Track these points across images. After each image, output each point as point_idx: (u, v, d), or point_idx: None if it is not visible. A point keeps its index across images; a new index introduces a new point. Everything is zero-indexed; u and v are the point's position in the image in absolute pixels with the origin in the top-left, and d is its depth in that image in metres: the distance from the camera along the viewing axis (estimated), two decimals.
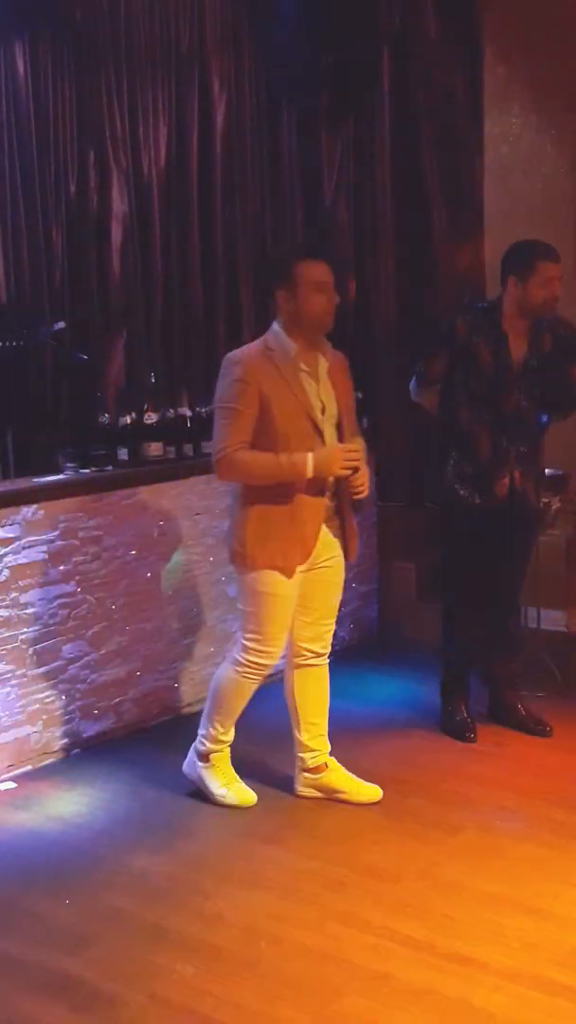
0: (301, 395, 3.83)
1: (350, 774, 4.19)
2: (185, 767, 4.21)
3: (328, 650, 4.16)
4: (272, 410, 3.79)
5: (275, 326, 3.90)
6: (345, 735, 4.69)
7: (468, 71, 6.37)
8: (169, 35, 5.45)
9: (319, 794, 4.15)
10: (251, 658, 3.97)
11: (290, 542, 3.87)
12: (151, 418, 5.03)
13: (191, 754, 4.20)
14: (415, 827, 3.97)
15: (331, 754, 4.22)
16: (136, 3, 5.29)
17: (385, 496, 6.26)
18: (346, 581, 5.56)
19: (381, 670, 5.60)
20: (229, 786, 4.12)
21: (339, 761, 4.21)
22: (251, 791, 4.11)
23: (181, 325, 5.58)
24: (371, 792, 4.15)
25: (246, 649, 3.97)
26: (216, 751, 4.13)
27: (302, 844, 3.85)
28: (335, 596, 4.11)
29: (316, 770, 4.16)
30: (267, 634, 3.95)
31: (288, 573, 3.89)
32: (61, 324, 4.89)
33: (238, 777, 4.15)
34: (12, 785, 4.35)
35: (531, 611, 5.36)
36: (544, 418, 4.62)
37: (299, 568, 3.91)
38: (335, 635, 5.56)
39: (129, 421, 4.99)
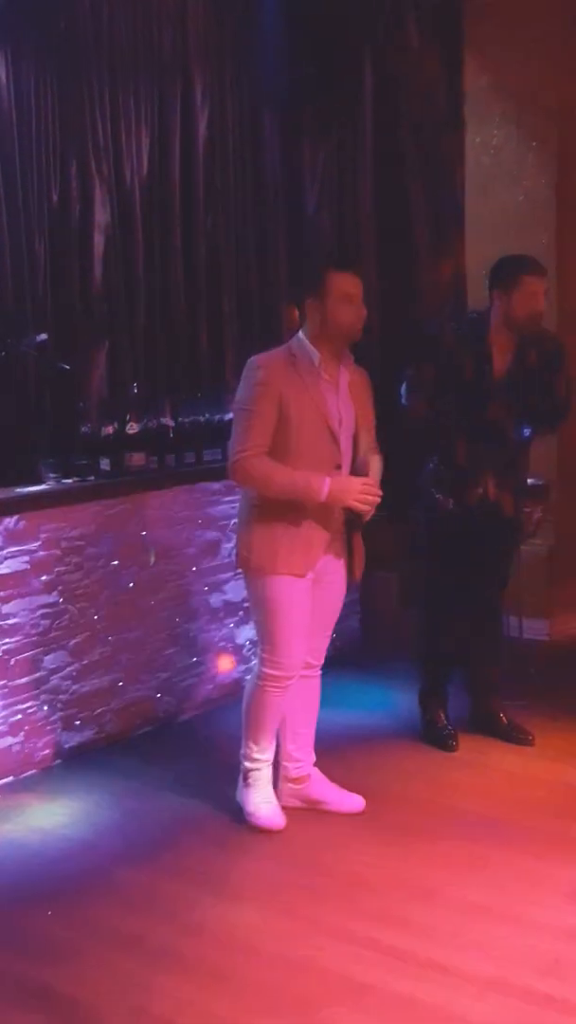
0: (321, 403, 3.84)
1: (333, 784, 4.19)
2: (236, 795, 4.11)
3: (321, 662, 4.15)
4: (291, 416, 3.79)
5: (300, 334, 3.91)
6: (328, 744, 4.69)
7: (450, 82, 6.41)
8: (152, 44, 5.46)
9: (301, 804, 4.14)
10: (268, 670, 3.93)
11: (297, 548, 3.85)
12: (133, 428, 5.03)
13: (239, 779, 4.11)
14: (396, 836, 3.97)
15: (314, 763, 4.21)
16: (119, 12, 5.29)
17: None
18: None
19: (364, 679, 5.59)
20: (259, 806, 4.01)
21: (322, 770, 4.20)
22: (281, 815, 4.01)
23: (163, 335, 5.57)
24: (353, 803, 4.14)
25: (263, 661, 3.95)
26: (255, 769, 4.04)
27: (283, 854, 3.84)
28: (333, 612, 4.11)
29: (299, 780, 4.16)
30: (280, 644, 3.90)
31: (298, 577, 3.86)
32: (43, 336, 4.88)
33: (274, 799, 4.05)
34: None
35: (513, 620, 5.37)
36: (527, 431, 4.63)
37: (308, 574, 3.89)
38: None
39: (111, 431, 4.99)
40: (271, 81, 6.03)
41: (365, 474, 3.92)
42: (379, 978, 3.12)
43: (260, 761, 4.04)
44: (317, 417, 3.83)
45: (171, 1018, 2.97)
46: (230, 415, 4.35)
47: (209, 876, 3.73)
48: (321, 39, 6.17)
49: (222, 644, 5.28)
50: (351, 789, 4.26)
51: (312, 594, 3.96)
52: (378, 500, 3.85)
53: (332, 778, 4.22)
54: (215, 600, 5.25)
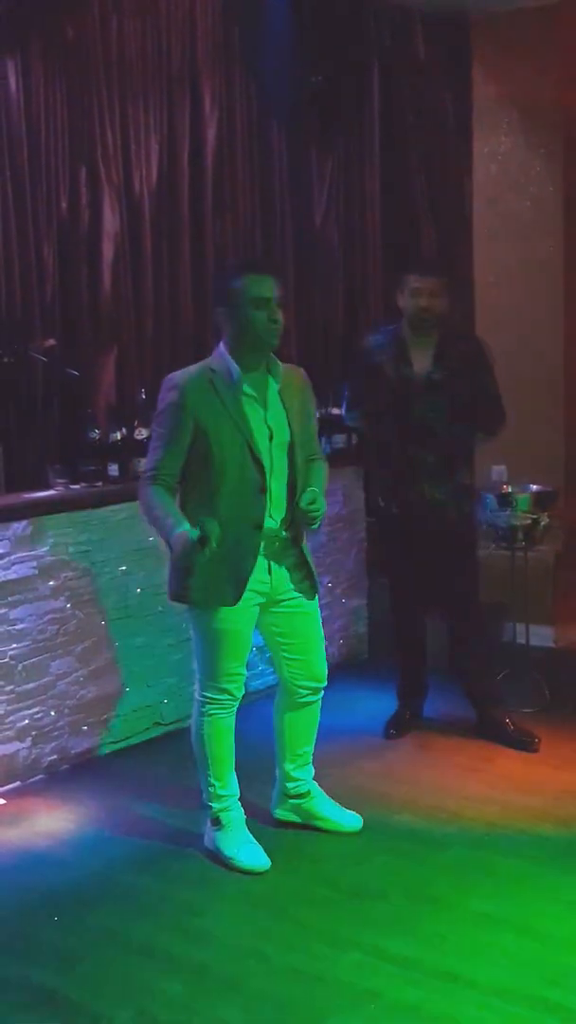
0: (241, 422, 3.63)
1: (332, 801, 4.11)
2: (204, 841, 3.92)
3: (324, 683, 4.00)
4: (208, 438, 3.60)
5: (221, 347, 3.71)
6: (334, 751, 4.70)
7: (457, 90, 6.44)
8: (161, 53, 5.48)
9: (298, 818, 4.07)
10: (208, 694, 3.80)
11: (222, 579, 3.67)
12: (141, 434, 5.03)
13: (206, 825, 3.93)
14: (403, 844, 3.96)
15: (320, 770, 4.20)
16: (128, 21, 5.32)
17: (373, 511, 6.28)
18: (336, 596, 5.59)
19: (370, 685, 5.60)
20: (240, 847, 3.81)
21: (327, 776, 4.19)
22: (264, 855, 3.79)
23: (172, 341, 5.59)
24: (352, 821, 4.06)
25: (202, 685, 3.81)
26: (224, 810, 3.86)
27: (289, 862, 3.83)
28: (314, 625, 3.94)
29: (299, 796, 4.08)
30: (219, 672, 3.76)
31: (228, 605, 3.68)
32: (52, 342, 4.89)
33: (252, 839, 3.84)
34: (1, 801, 4.34)
35: (519, 627, 5.37)
36: (460, 430, 4.69)
37: (249, 598, 3.70)
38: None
39: (119, 437, 4.99)
40: (279, 91, 6.06)
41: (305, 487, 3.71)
42: (385, 986, 3.12)
43: (227, 798, 3.86)
44: (237, 438, 3.62)
45: None
46: None
47: (215, 883, 3.73)
48: (329, 49, 6.19)
49: None
50: (358, 795, 4.26)
51: (283, 617, 3.82)
52: (318, 513, 3.65)
53: (337, 784, 4.22)
54: None
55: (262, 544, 3.72)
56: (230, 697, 3.82)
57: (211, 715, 3.83)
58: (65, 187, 5.13)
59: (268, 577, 3.78)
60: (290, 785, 4.06)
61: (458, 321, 4.75)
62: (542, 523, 5.19)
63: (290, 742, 4.04)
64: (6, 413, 4.93)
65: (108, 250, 5.26)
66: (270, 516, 3.73)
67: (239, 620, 3.75)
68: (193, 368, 3.75)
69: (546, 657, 5.83)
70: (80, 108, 5.17)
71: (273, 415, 3.73)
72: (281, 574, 3.82)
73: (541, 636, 5.96)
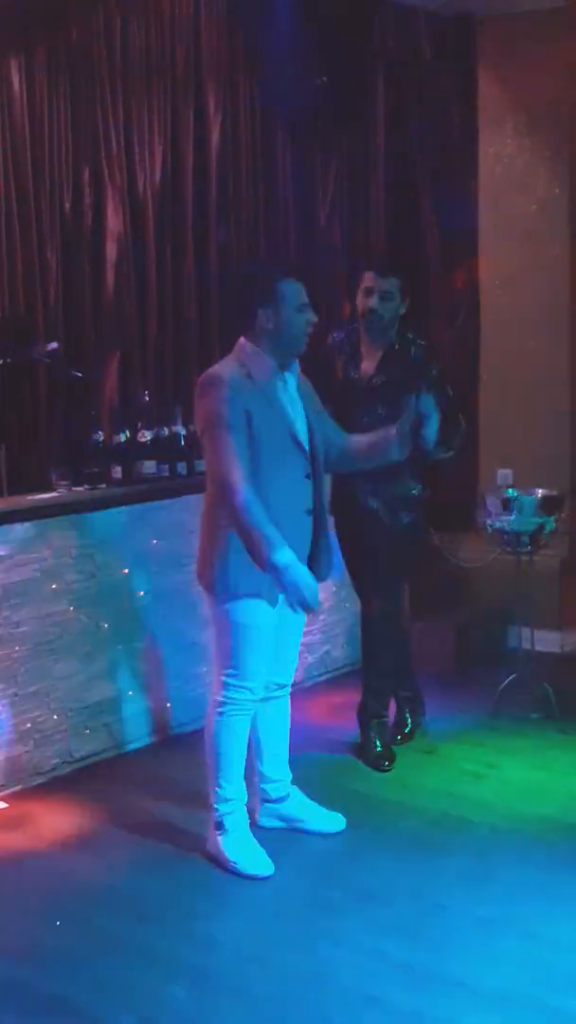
0: (281, 411, 3.73)
1: (312, 803, 4.09)
2: (208, 844, 3.89)
3: (291, 680, 4.04)
4: (256, 427, 3.66)
5: (247, 344, 3.76)
6: (338, 756, 4.69)
7: (462, 93, 6.42)
8: (165, 54, 5.47)
9: (281, 824, 4.05)
10: (232, 695, 3.78)
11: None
12: (145, 436, 5.02)
13: (209, 829, 3.90)
14: (407, 848, 3.94)
15: (324, 776, 4.18)
16: (132, 22, 5.31)
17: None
18: (339, 599, 5.57)
19: None
20: (243, 851, 3.79)
21: (331, 781, 4.18)
22: (268, 860, 3.77)
23: (175, 343, 5.58)
24: (334, 820, 4.06)
25: (226, 686, 3.79)
26: (229, 813, 3.83)
27: (293, 866, 3.81)
28: (301, 624, 3.99)
29: (279, 800, 4.06)
30: (247, 668, 3.76)
31: (272, 601, 3.72)
32: (55, 345, 4.88)
33: (256, 844, 3.82)
34: (3, 805, 4.32)
35: (525, 632, 5.34)
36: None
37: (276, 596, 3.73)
38: (328, 654, 5.57)
39: (123, 439, 4.98)
40: (283, 93, 6.04)
41: (371, 453, 3.90)
42: (389, 991, 3.10)
43: (233, 802, 3.84)
44: (280, 426, 3.71)
45: None
46: None
47: (220, 887, 3.70)
48: (333, 52, 6.17)
49: None
50: (360, 801, 4.24)
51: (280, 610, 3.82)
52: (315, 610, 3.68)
53: (342, 790, 4.20)
54: None
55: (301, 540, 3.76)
56: (251, 697, 3.81)
57: (229, 716, 3.82)
58: (69, 188, 5.12)
59: None
60: (269, 788, 4.04)
61: (418, 326, 4.53)
62: (548, 527, 5.16)
63: (265, 741, 4.02)
64: (9, 415, 4.92)
65: (111, 251, 5.25)
66: None
67: (270, 616, 3.77)
68: (224, 364, 3.80)
69: (552, 662, 5.80)
70: (84, 109, 5.15)
71: (296, 407, 3.81)
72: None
73: (547, 641, 5.93)
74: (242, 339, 3.79)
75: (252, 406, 3.66)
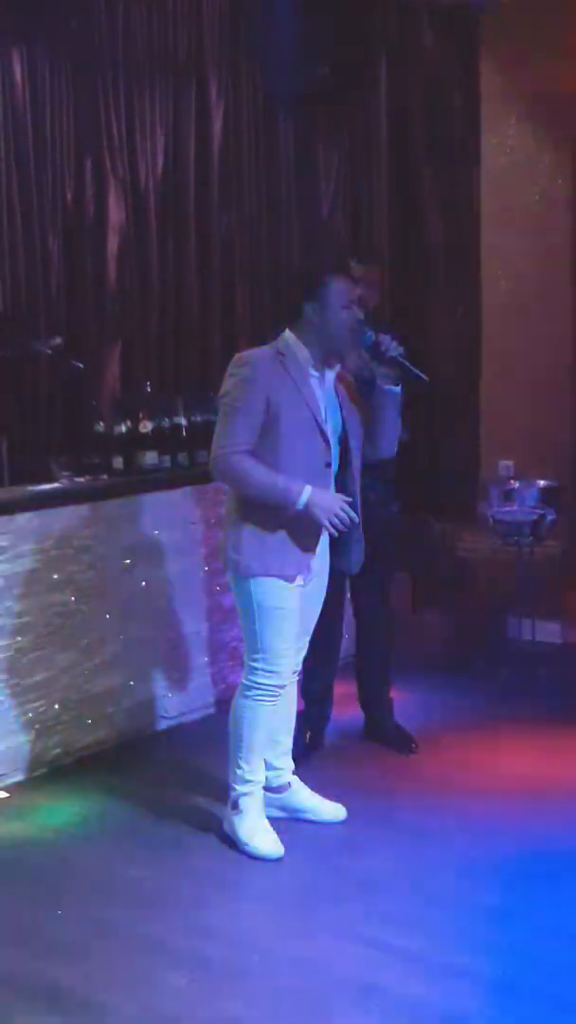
0: (311, 400, 3.77)
1: (314, 793, 4.11)
2: (223, 824, 3.95)
3: (300, 667, 4.06)
4: (279, 414, 3.70)
5: (288, 334, 3.81)
6: (339, 746, 4.70)
7: (465, 81, 6.40)
8: (167, 44, 5.46)
9: (282, 814, 4.05)
10: (260, 680, 3.82)
11: (289, 549, 3.76)
12: (146, 427, 5.03)
13: (226, 808, 3.95)
14: (409, 837, 3.95)
15: (324, 766, 4.19)
16: (134, 12, 5.30)
17: None
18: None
19: None
20: (255, 834, 3.83)
21: (333, 772, 4.18)
22: (278, 843, 3.80)
23: (176, 334, 5.58)
24: (335, 811, 4.07)
25: (253, 671, 3.83)
26: (245, 794, 3.86)
27: (294, 855, 3.82)
28: (317, 612, 4.02)
29: (280, 789, 4.07)
30: (273, 651, 3.80)
31: (289, 580, 3.77)
32: (58, 340, 4.87)
33: (269, 826, 3.86)
34: (5, 795, 4.33)
35: (525, 623, 5.35)
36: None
37: (300, 579, 3.81)
38: None
39: (124, 430, 4.98)
40: (285, 82, 6.03)
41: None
42: (390, 980, 3.10)
43: (252, 784, 3.88)
44: (305, 414, 3.74)
45: (182, 1018, 2.96)
46: None
47: (221, 876, 3.71)
48: (335, 40, 6.16)
49: (233, 644, 5.27)
50: (363, 791, 4.25)
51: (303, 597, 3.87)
52: (352, 520, 3.74)
53: (344, 780, 4.20)
54: (227, 600, 5.22)
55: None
56: (277, 682, 3.84)
57: (256, 700, 3.84)
58: (70, 179, 5.11)
59: (313, 558, 3.86)
60: (270, 775, 4.05)
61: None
62: (549, 518, 5.16)
63: None
64: (11, 406, 4.92)
65: (113, 242, 5.24)
66: None
67: (293, 600, 3.81)
68: (261, 348, 3.87)
69: (552, 653, 5.81)
70: (85, 99, 5.14)
71: (330, 401, 3.85)
72: (323, 556, 3.92)
73: (547, 632, 5.94)
74: (287, 331, 3.84)
75: (277, 390, 3.71)
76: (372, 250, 4.83)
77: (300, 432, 3.74)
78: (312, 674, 4.62)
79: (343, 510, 3.69)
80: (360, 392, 4.00)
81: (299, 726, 4.54)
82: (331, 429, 3.83)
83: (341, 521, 3.69)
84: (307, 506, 3.66)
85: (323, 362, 3.82)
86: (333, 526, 3.69)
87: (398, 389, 3.87)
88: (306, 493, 3.66)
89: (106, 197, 5.21)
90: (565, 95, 6.12)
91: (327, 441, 3.80)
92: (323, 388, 3.83)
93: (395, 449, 4.06)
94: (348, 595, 4.69)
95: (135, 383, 5.27)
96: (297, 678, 4.08)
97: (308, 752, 4.55)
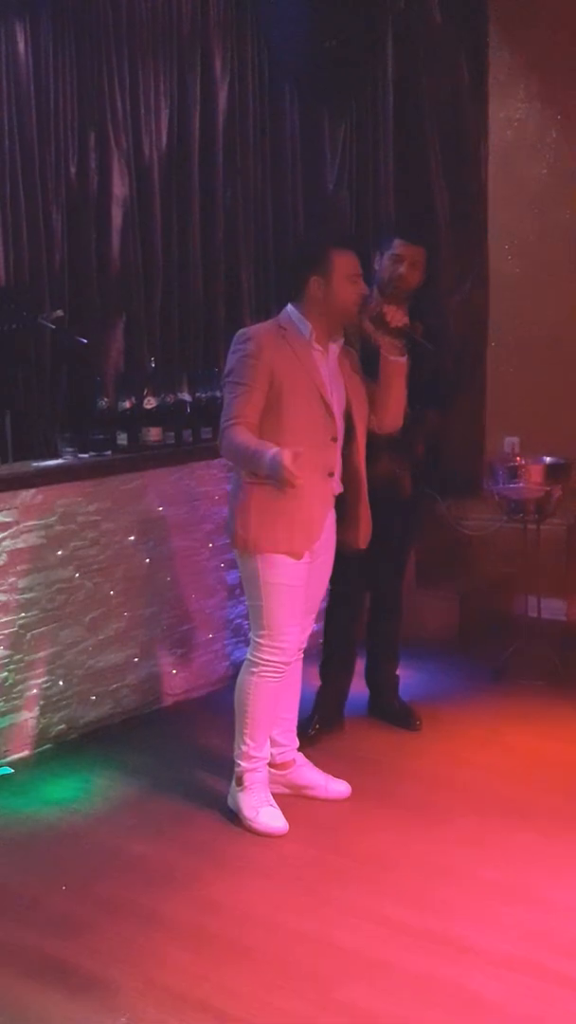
0: (313, 373, 3.76)
1: (318, 770, 4.12)
2: (228, 799, 3.97)
3: (305, 644, 4.05)
4: (283, 387, 3.70)
5: (291, 307, 3.82)
6: (347, 723, 4.69)
7: (472, 55, 6.35)
8: (171, 16, 5.40)
9: (287, 790, 4.06)
10: (264, 656, 3.83)
11: (297, 525, 3.75)
12: (150, 403, 5.01)
13: (231, 783, 3.97)
14: (413, 814, 3.96)
15: (331, 741, 4.18)
16: None
17: None
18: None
19: None
20: (260, 809, 3.85)
21: (336, 747, 4.18)
22: (282, 819, 3.82)
23: (181, 309, 5.54)
24: (340, 788, 4.08)
25: (258, 647, 3.84)
26: (250, 770, 3.89)
27: (299, 831, 3.83)
28: (323, 589, 4.04)
29: (284, 766, 4.08)
30: (278, 627, 3.81)
31: (296, 557, 3.76)
32: (59, 312, 4.85)
33: (273, 802, 3.88)
34: (9, 770, 4.34)
35: (531, 600, 5.34)
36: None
37: (305, 555, 3.80)
38: None
39: (128, 406, 4.97)
40: (291, 54, 5.97)
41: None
42: (395, 955, 3.11)
43: (257, 760, 3.90)
44: (309, 387, 3.74)
45: (187, 992, 2.97)
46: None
47: (225, 852, 3.72)
48: (342, 12, 6.09)
49: (238, 621, 5.27)
50: (366, 767, 4.25)
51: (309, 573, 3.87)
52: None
53: (348, 756, 4.20)
54: (231, 577, 5.23)
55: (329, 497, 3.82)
56: (282, 658, 3.84)
57: (261, 676, 3.85)
58: (74, 152, 5.07)
59: (322, 534, 3.85)
60: (275, 751, 4.06)
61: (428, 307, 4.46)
62: (555, 495, 5.15)
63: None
64: (15, 381, 4.89)
65: (117, 216, 5.20)
66: None
67: (298, 576, 3.80)
68: (263, 324, 3.89)
69: (558, 630, 5.80)
70: (89, 72, 5.09)
71: (334, 375, 3.84)
72: (328, 533, 3.91)
73: (553, 609, 5.93)
74: (289, 305, 3.84)
75: (280, 364, 3.71)
76: (416, 233, 4.79)
77: (304, 406, 3.74)
78: (332, 651, 4.62)
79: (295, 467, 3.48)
80: (365, 364, 3.99)
81: (316, 705, 4.57)
82: (336, 403, 3.82)
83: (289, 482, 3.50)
84: (269, 468, 3.52)
85: (328, 335, 3.82)
86: (288, 482, 3.50)
87: (404, 360, 3.86)
88: (269, 456, 3.52)
89: (110, 171, 5.17)
90: (572, 69, 6.07)
91: (332, 415, 3.79)
92: (327, 362, 3.82)
93: (401, 421, 4.05)
94: None
95: (139, 359, 5.25)
96: (302, 656, 4.07)
97: (320, 735, 4.55)
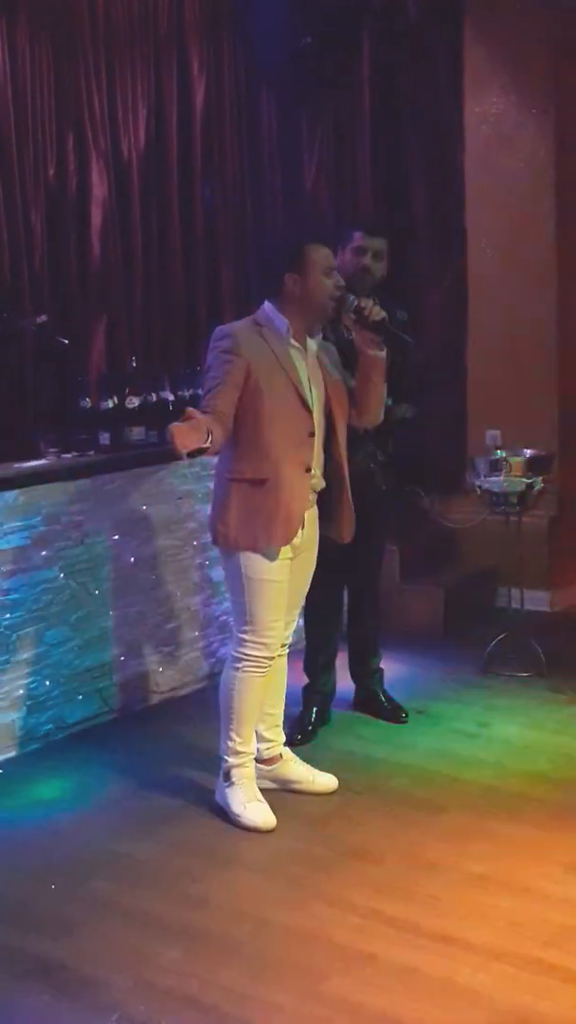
0: (291, 370, 3.77)
1: (305, 764, 4.13)
2: (216, 795, 3.99)
3: (290, 639, 4.07)
4: (260, 385, 3.71)
5: (268, 305, 3.83)
6: (333, 716, 4.71)
7: (449, 51, 6.36)
8: (148, 15, 5.41)
9: (274, 785, 4.07)
10: (247, 651, 3.84)
11: (277, 521, 3.76)
12: (133, 402, 5.02)
13: (218, 779, 4.00)
14: (400, 808, 3.97)
15: (314, 736, 4.18)
16: None
17: None
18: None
19: None
20: (248, 804, 3.86)
21: (324, 742, 4.20)
22: (271, 814, 3.83)
23: (162, 309, 5.55)
24: (327, 782, 4.10)
25: (241, 643, 3.85)
26: (237, 766, 3.90)
27: (286, 826, 3.84)
28: (307, 585, 4.04)
29: (271, 761, 4.09)
30: (261, 622, 3.82)
31: (273, 555, 3.79)
32: (43, 318, 4.85)
33: (261, 797, 3.89)
34: None
35: (514, 592, 5.37)
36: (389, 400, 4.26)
37: (286, 551, 3.82)
38: None
39: (111, 406, 4.97)
40: (268, 53, 5.99)
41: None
42: (383, 948, 3.13)
43: (244, 755, 3.92)
44: (287, 384, 3.75)
45: (177, 989, 2.98)
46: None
47: (213, 849, 3.73)
48: (318, 10, 6.11)
49: (223, 618, 5.28)
50: (354, 761, 4.27)
51: (292, 569, 3.89)
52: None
53: (335, 750, 4.22)
54: (216, 574, 5.24)
55: (307, 492, 3.83)
56: (266, 653, 3.86)
57: (245, 671, 3.86)
58: (53, 153, 5.07)
59: (301, 531, 3.85)
60: (262, 747, 4.07)
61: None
62: (536, 487, 5.17)
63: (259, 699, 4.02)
64: None
65: (97, 216, 5.21)
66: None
67: (281, 572, 3.82)
68: (240, 321, 3.90)
69: (541, 621, 5.84)
70: (67, 73, 5.10)
71: (313, 371, 3.86)
72: (311, 529, 3.93)
73: (536, 600, 5.97)
74: (266, 302, 3.85)
75: (257, 361, 3.73)
76: (378, 222, 4.78)
77: (281, 403, 3.75)
78: (316, 647, 4.65)
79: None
80: (345, 359, 4.01)
81: (307, 702, 4.59)
82: (315, 398, 3.84)
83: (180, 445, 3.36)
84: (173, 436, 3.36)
85: (306, 331, 3.85)
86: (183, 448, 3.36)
87: (383, 354, 3.88)
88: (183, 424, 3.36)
89: (89, 172, 5.18)
90: (548, 65, 6.09)
91: (309, 410, 3.80)
92: (305, 358, 3.84)
93: (381, 417, 4.08)
94: None
95: (121, 359, 5.25)
96: (287, 651, 4.09)
97: (316, 729, 4.58)
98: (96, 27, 5.18)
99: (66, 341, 4.95)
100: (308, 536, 3.92)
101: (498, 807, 3.95)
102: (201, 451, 3.39)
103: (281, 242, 3.88)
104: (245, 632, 3.85)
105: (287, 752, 4.14)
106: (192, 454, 3.39)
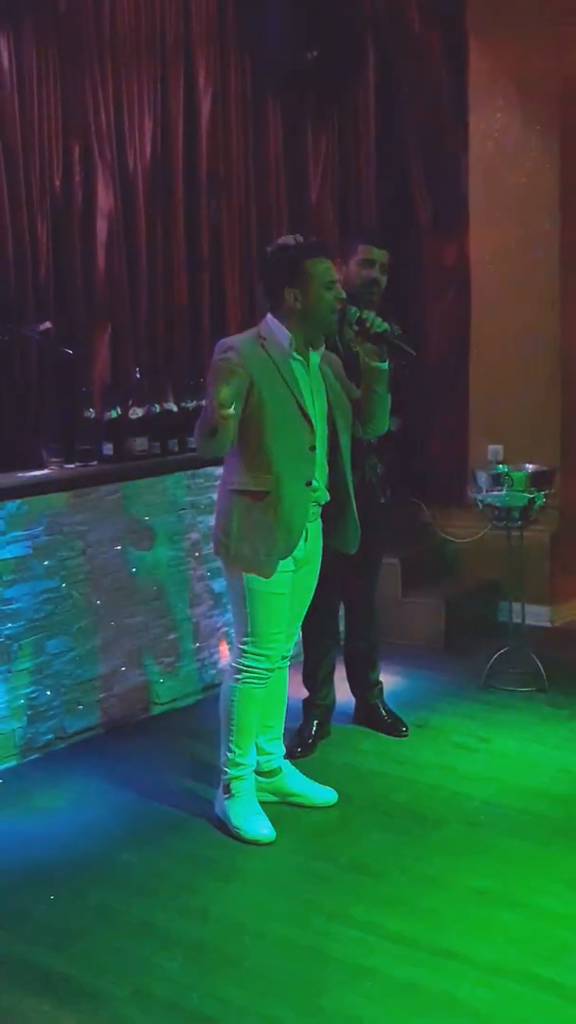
0: (293, 383, 3.78)
1: (304, 777, 4.14)
2: (215, 807, 4.00)
3: (291, 652, 4.07)
4: (262, 398, 3.73)
5: (270, 318, 3.85)
6: (333, 730, 4.71)
7: (453, 65, 6.38)
8: (154, 28, 5.43)
9: (274, 798, 4.07)
10: (248, 663, 3.85)
11: (278, 534, 3.76)
12: (136, 413, 5.03)
13: (218, 791, 4.01)
14: (400, 822, 3.97)
15: (314, 749, 4.18)
16: None
17: None
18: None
19: None
20: (246, 818, 3.86)
21: (324, 755, 4.20)
22: (270, 827, 3.83)
23: (166, 320, 5.56)
24: (326, 795, 4.10)
25: (243, 655, 3.85)
26: (237, 778, 3.91)
27: (286, 839, 3.84)
28: (309, 597, 4.04)
29: (271, 773, 4.09)
30: (263, 635, 3.83)
31: (270, 568, 3.77)
32: (47, 324, 4.86)
33: (260, 810, 3.90)
34: None
35: (515, 606, 5.37)
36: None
37: (287, 563, 3.81)
38: None
39: (114, 416, 4.98)
40: (274, 65, 6.00)
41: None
42: (382, 963, 3.13)
43: (243, 767, 3.92)
44: (288, 397, 3.76)
45: (176, 1001, 2.98)
46: None
47: (213, 860, 3.73)
48: (324, 23, 6.13)
49: (224, 630, 5.29)
50: (354, 774, 4.27)
51: (294, 582, 3.89)
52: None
53: (335, 763, 4.22)
54: (217, 586, 5.24)
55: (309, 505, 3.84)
56: (267, 665, 3.86)
57: (245, 683, 3.87)
58: (59, 165, 5.09)
59: (304, 544, 3.85)
60: (261, 759, 4.07)
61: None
62: (538, 502, 5.18)
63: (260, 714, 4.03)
64: (0, 392, 4.91)
65: (102, 228, 5.22)
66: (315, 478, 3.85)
67: (283, 585, 3.83)
68: (242, 334, 3.91)
69: (542, 636, 5.84)
70: (73, 85, 5.11)
71: (316, 384, 3.86)
72: (314, 542, 3.93)
73: (537, 615, 5.97)
74: (268, 315, 3.86)
75: (259, 374, 3.74)
76: (381, 234, 4.79)
77: (283, 416, 3.76)
78: (315, 661, 4.65)
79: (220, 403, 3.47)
80: (348, 371, 4.02)
81: (307, 715, 4.59)
82: (317, 412, 3.84)
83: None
84: (215, 407, 3.48)
85: (307, 344, 3.85)
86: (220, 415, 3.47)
87: (385, 366, 3.89)
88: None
89: (94, 183, 5.19)
90: (553, 80, 6.11)
91: (311, 424, 3.81)
92: (307, 371, 3.85)
93: (386, 427, 4.09)
94: None
95: (125, 369, 5.27)
96: (288, 664, 4.09)
97: (316, 742, 4.58)
98: (102, 40, 5.20)
99: (70, 351, 4.96)
100: (311, 549, 3.92)
101: (498, 822, 3.95)
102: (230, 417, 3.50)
103: (281, 256, 3.87)
104: (246, 644, 3.85)
105: (287, 764, 4.14)
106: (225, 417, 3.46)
